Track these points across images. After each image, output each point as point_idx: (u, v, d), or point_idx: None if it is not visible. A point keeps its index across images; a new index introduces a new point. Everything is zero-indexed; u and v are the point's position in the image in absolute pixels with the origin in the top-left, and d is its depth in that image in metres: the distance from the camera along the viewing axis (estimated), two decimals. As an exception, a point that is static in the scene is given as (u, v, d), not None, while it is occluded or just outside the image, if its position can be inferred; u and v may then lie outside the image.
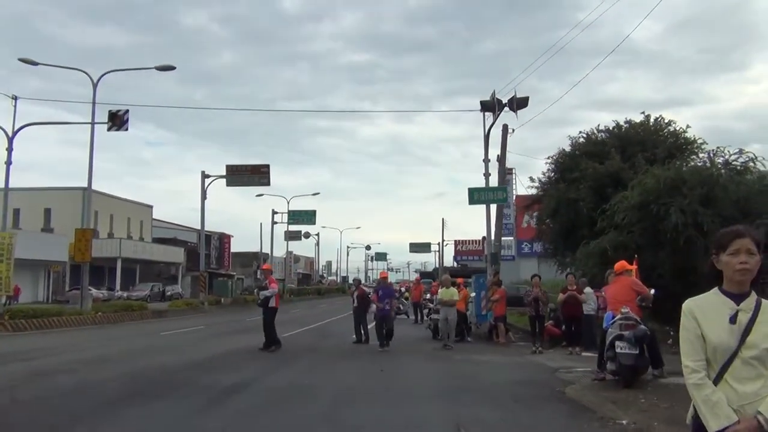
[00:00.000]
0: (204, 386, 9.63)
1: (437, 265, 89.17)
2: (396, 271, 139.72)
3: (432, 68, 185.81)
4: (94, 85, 24.96)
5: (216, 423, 7.30)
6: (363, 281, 22.95)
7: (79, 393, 8.91)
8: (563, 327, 16.10)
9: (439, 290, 17.86)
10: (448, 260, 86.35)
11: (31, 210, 58.83)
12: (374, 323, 16.15)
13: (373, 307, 16.56)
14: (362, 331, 17.37)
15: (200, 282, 39.90)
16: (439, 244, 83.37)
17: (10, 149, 21.04)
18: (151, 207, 72.85)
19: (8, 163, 21.14)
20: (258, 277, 15.62)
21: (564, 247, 21.64)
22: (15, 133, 21.40)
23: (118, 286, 54.98)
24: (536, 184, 23.26)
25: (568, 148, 22.12)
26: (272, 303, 15.21)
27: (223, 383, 9.91)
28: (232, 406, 8.30)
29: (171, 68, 25.17)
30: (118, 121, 20.77)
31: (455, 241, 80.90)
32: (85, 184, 27.30)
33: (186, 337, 18.95)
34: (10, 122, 22.50)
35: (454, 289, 17.44)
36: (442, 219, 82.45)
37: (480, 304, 20.54)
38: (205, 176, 37.03)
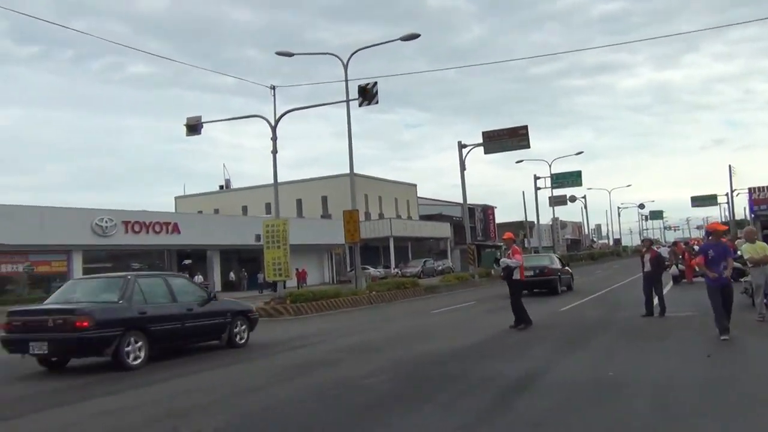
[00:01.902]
0: (482, 380, 7.90)
1: (722, 219, 79.14)
2: (674, 230, 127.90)
3: (695, 2, 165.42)
4: (345, 66, 25.03)
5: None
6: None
7: (338, 393, 7.60)
8: None
9: (743, 246, 13.90)
10: (739, 212, 76.01)
11: (311, 198, 63.66)
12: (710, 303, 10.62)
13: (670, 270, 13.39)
14: (657, 301, 14.55)
15: (468, 255, 38.97)
16: (727, 194, 73.60)
17: (274, 138, 21.69)
18: (414, 186, 74.65)
19: (274, 152, 21.83)
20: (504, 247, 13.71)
21: None
22: (277, 121, 22.04)
23: (392, 264, 56.86)
24: None
25: None
26: (516, 275, 13.46)
27: (505, 375, 8.09)
28: (522, 410, 6.37)
29: (415, 36, 24.23)
30: (367, 94, 20.27)
31: (749, 189, 70.45)
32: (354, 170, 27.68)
33: (457, 316, 17.68)
34: (272, 113, 23.22)
35: (763, 243, 13.55)
36: (729, 166, 72.12)
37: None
38: (462, 146, 35.83)
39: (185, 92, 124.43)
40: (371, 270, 50.92)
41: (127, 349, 10.01)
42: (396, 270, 53.87)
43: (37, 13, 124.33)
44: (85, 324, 9.60)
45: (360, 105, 20.50)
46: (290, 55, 26.11)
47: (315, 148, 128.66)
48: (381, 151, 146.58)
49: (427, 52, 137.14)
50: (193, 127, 23.18)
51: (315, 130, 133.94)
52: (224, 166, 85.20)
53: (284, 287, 21.89)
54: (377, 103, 20.18)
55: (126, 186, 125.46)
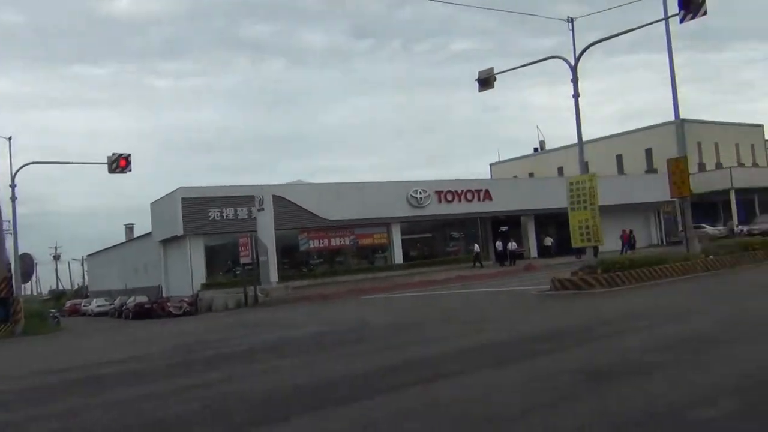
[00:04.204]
0: None
1: None
2: None
3: None
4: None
5: None
6: None
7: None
8: None
9: None
10: None
11: (633, 153, 57.64)
12: None
13: None
14: None
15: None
16: None
17: (574, 79, 18.17)
18: (761, 126, 63.06)
19: (575, 95, 18.29)
20: None
21: None
22: (577, 60, 18.54)
23: (734, 221, 48.47)
24: None
25: None
26: None
27: None
28: None
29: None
30: (692, 5, 15.77)
31: None
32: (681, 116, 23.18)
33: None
34: (572, 52, 19.79)
35: None
36: None
37: None
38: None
39: (505, 61, 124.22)
40: (708, 229, 43.82)
41: None
42: (740, 228, 45.58)
43: (368, 10, 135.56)
44: None
45: (682, 20, 16.09)
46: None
47: (639, 101, 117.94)
48: (718, 95, 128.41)
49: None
50: (486, 81, 21.08)
51: (639, 82, 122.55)
52: (537, 127, 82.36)
53: (595, 255, 18.61)
54: (705, 14, 15.58)
55: (452, 158, 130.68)
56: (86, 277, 78.97)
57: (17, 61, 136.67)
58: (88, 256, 74.56)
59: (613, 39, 19.64)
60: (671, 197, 24.07)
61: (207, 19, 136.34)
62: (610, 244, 29.39)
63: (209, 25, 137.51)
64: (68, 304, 60.49)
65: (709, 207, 49.37)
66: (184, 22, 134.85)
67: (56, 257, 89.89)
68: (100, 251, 65.64)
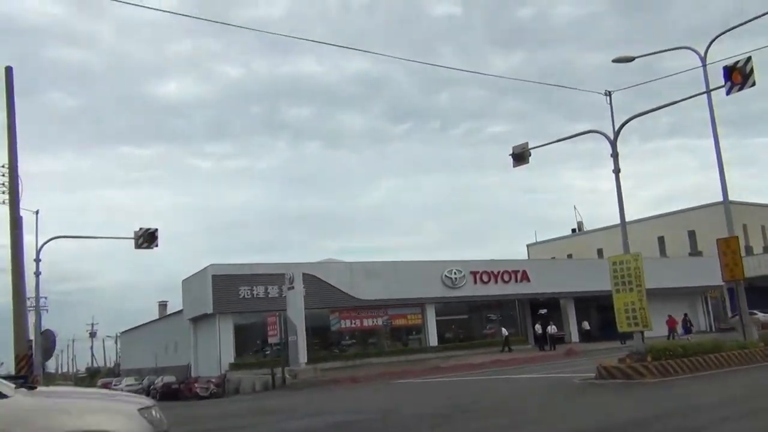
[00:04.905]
0: None
1: None
2: None
3: None
4: (703, 56, 20.03)
5: None
6: None
7: None
8: None
9: None
10: None
11: (675, 235, 55.97)
12: None
13: None
14: None
15: None
16: None
17: (614, 154, 17.27)
18: (810, 208, 60.87)
19: (615, 170, 17.41)
20: None
21: None
22: (616, 134, 17.78)
23: (789, 308, 46.01)
24: None
25: None
26: None
27: None
28: None
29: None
30: (738, 77, 15.02)
31: None
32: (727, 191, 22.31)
33: None
34: (611, 127, 19.17)
35: None
36: None
37: None
38: None
39: (539, 143, 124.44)
40: (759, 315, 41.52)
41: None
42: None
43: (405, 94, 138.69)
44: None
45: (728, 92, 15.35)
46: (630, 59, 22.01)
47: (679, 184, 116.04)
48: (762, 180, 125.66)
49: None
50: (520, 156, 20.42)
51: (677, 167, 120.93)
52: (575, 208, 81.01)
53: (642, 340, 17.26)
54: (753, 85, 14.85)
55: (487, 240, 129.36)
56: (119, 354, 78.65)
57: (67, 141, 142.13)
58: (121, 333, 74.46)
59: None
60: (723, 281, 22.67)
61: (248, 103, 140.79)
62: (656, 329, 27.92)
63: (250, 108, 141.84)
64: (100, 382, 59.95)
65: (758, 292, 47.07)
66: (226, 105, 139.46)
67: (92, 334, 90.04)
68: (133, 328, 65.42)
